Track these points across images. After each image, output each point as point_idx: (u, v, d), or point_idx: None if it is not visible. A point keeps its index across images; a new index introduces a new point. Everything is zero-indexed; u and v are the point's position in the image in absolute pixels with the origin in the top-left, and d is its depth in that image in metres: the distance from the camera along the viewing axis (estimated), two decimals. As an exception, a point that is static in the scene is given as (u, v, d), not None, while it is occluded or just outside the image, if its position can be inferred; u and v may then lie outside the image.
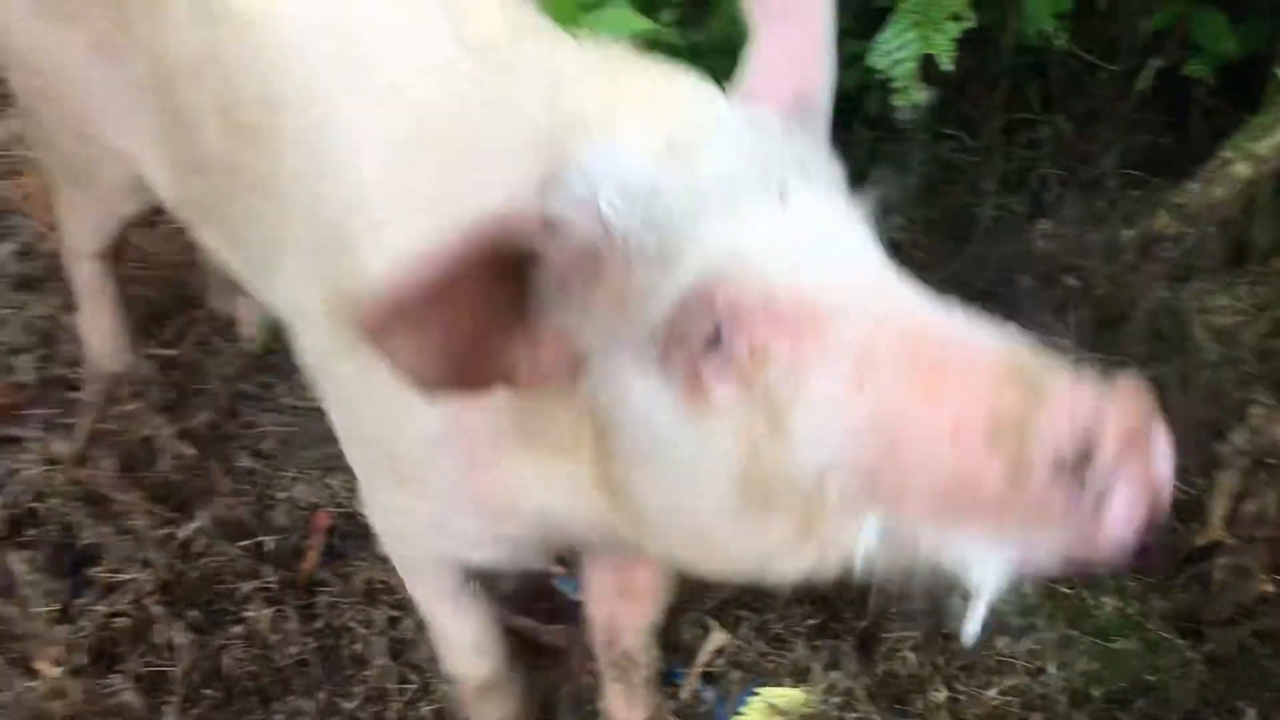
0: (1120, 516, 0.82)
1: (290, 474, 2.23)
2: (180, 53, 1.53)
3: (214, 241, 1.73)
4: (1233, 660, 1.95)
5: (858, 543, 0.92)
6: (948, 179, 2.66)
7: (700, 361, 0.96)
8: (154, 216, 2.17)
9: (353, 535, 2.15)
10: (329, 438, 1.54)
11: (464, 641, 1.69)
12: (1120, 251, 2.36)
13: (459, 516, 1.33)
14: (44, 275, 2.48)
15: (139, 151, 1.76)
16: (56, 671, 1.83)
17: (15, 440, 2.18)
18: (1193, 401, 2.12)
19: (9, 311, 2.42)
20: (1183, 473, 2.10)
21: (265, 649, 1.96)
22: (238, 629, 1.97)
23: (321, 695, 1.91)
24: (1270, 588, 1.91)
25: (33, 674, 1.86)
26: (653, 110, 1.07)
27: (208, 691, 1.91)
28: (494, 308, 0.99)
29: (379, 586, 2.05)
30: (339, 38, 1.35)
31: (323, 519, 2.16)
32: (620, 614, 1.74)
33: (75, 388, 2.29)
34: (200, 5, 1.49)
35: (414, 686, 1.91)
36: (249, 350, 2.40)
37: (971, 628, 0.90)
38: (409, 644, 1.96)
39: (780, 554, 0.99)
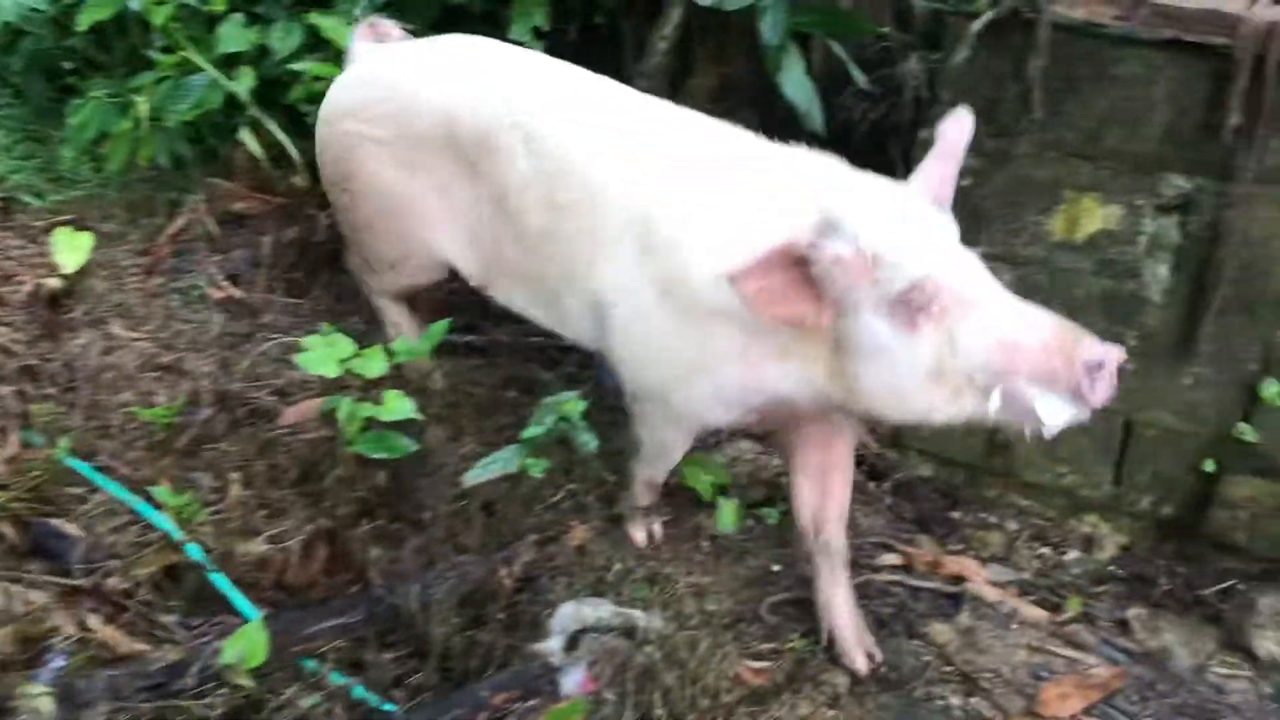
0: (1104, 392, 1.93)
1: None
2: (512, 175, 2.50)
3: (511, 291, 2.68)
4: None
5: (990, 401, 1.98)
6: None
7: (916, 313, 1.97)
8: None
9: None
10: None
11: (673, 462, 2.62)
12: None
13: (728, 395, 2.29)
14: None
15: (454, 251, 2.72)
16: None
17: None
18: None
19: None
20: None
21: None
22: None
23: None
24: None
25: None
26: (876, 194, 2.12)
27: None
28: (796, 285, 2.00)
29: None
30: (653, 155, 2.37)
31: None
32: (823, 501, 2.52)
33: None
34: (531, 146, 2.47)
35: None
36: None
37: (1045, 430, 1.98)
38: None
39: (939, 409, 2.03)
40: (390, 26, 2.89)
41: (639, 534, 2.72)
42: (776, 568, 2.75)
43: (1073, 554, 2.90)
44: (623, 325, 2.38)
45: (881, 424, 2.88)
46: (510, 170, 2.50)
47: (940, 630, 2.63)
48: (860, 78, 3.30)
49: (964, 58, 2.71)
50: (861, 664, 2.48)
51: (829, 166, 2.22)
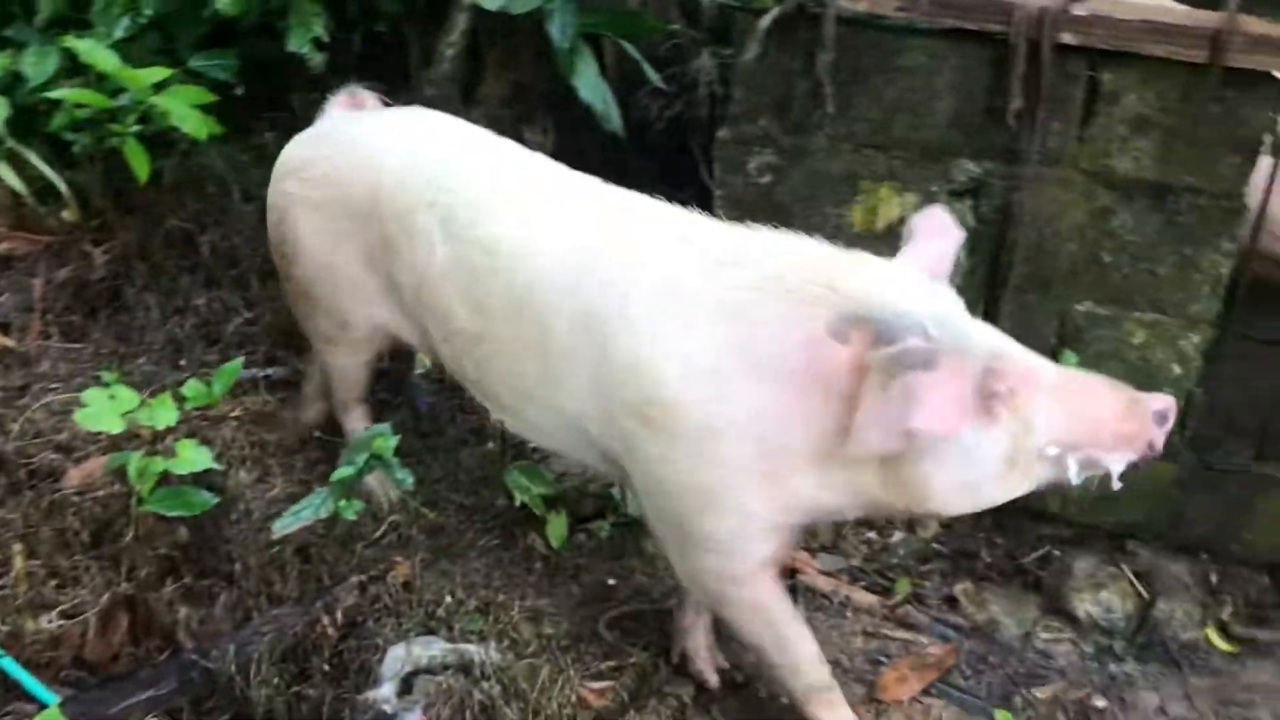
0: (1162, 443, 1.91)
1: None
2: (432, 262, 2.23)
3: (464, 385, 2.42)
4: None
5: (1069, 470, 1.90)
6: None
7: (991, 399, 1.83)
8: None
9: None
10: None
11: (813, 650, 2.20)
12: None
13: (761, 523, 2.00)
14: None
15: (392, 321, 2.48)
16: None
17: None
18: None
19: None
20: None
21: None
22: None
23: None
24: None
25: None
26: (887, 274, 1.93)
27: None
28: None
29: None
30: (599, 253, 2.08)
31: None
32: None
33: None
34: (449, 230, 2.21)
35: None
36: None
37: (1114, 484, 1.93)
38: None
39: (1012, 492, 1.92)
40: (367, 96, 2.68)
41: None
42: (612, 582, 2.71)
43: (898, 535, 2.95)
44: (623, 455, 2.09)
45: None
46: (430, 256, 2.24)
47: (778, 626, 2.64)
48: (654, 76, 3.29)
49: (754, 55, 2.71)
50: (714, 680, 2.45)
51: (812, 248, 2.02)
